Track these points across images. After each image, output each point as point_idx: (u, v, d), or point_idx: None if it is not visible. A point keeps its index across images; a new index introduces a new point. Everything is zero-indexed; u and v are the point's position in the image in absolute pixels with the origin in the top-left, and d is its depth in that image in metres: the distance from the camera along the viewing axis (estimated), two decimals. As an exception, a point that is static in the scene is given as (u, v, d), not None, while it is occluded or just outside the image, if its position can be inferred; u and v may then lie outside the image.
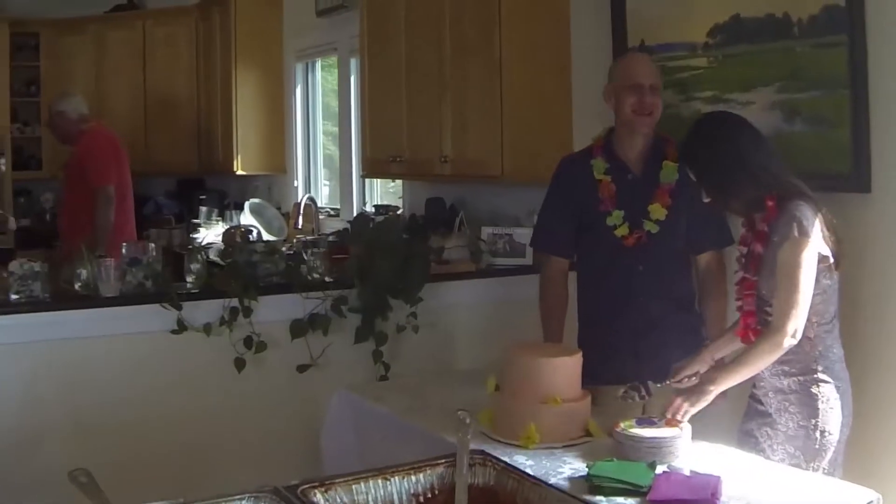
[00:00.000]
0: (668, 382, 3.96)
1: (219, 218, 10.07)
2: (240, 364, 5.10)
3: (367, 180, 8.68)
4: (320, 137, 10.00)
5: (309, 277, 5.25)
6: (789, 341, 3.54)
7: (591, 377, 4.10)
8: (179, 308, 4.95)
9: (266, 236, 9.13)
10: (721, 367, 3.83)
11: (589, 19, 5.84)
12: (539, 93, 5.95)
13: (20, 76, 11.20)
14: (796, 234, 3.55)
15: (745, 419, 3.94)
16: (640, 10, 5.41)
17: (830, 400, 3.67)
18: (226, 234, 9.04)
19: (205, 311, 5.07)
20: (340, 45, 8.90)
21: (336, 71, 9.23)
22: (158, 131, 10.94)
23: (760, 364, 3.65)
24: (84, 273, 4.99)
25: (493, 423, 3.88)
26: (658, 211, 4.54)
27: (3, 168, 10.56)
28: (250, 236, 8.89)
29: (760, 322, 3.76)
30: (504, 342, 5.28)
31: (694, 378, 3.88)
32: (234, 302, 5.06)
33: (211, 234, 9.56)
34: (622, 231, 4.56)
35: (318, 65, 9.97)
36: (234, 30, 10.02)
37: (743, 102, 4.71)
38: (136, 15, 11.24)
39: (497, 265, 6.01)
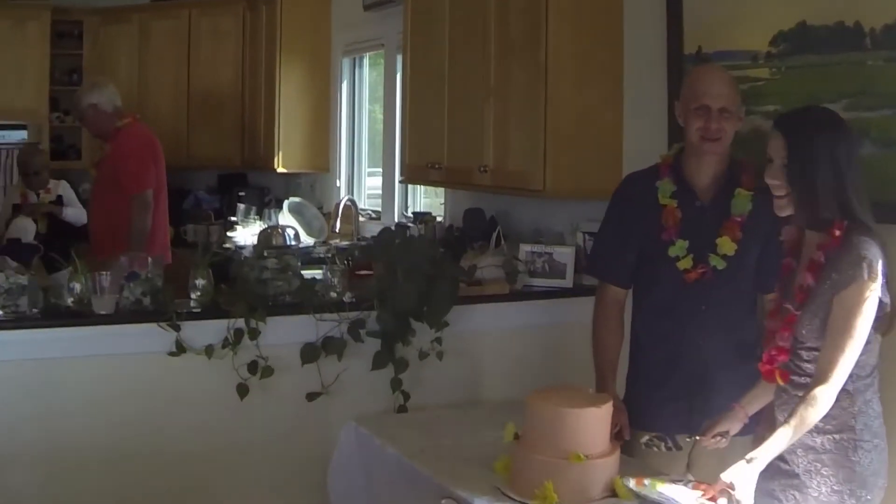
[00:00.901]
0: (697, 438, 3.79)
1: (257, 217, 9.82)
2: (243, 390, 4.75)
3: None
4: (365, 135, 9.75)
5: (324, 297, 4.90)
6: (834, 391, 3.26)
7: (636, 421, 4.08)
8: (177, 329, 4.62)
9: (305, 238, 9.01)
10: (762, 440, 3.42)
11: (643, 21, 5.50)
12: (587, 101, 5.57)
13: (62, 65, 11.00)
14: (865, 276, 3.25)
15: (766, 477, 3.53)
16: (699, 12, 5.10)
17: (870, 462, 3.38)
18: (262, 235, 8.92)
19: (207, 331, 4.71)
20: (387, 40, 8.63)
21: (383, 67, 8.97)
22: (201, 125, 10.75)
23: (814, 416, 3.29)
24: (77, 287, 4.66)
25: (509, 473, 3.67)
26: (727, 245, 4.11)
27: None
28: (287, 237, 8.69)
29: (792, 366, 3.48)
30: (539, 372, 5.32)
31: (725, 438, 3.74)
32: (240, 322, 4.73)
33: (248, 233, 9.35)
34: (685, 264, 4.15)
35: (366, 60, 9.75)
36: (281, 22, 9.81)
37: (807, 119, 4.30)
38: (182, 5, 10.97)
39: (534, 287, 5.63)
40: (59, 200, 8.51)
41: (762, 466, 3.29)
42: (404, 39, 7.15)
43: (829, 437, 3.37)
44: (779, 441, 3.29)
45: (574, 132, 5.50)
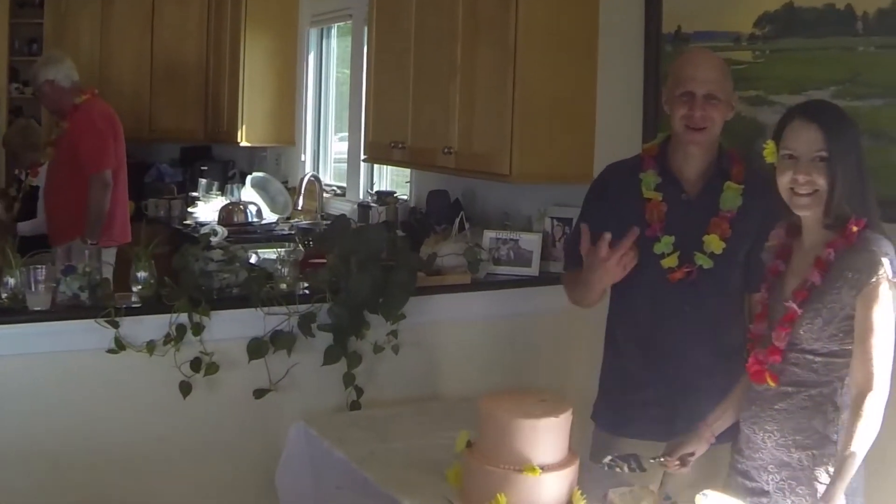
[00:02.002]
0: (661, 460, 3.57)
1: (219, 192, 9.65)
2: (186, 389, 4.54)
3: (376, 162, 8.21)
4: (332, 108, 9.52)
5: (273, 289, 4.69)
6: (881, 396, 3.03)
7: (611, 427, 3.99)
8: (116, 325, 4.40)
9: (268, 214, 8.81)
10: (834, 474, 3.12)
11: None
12: (558, 82, 5.36)
13: (21, 34, 10.81)
14: (891, 274, 3.08)
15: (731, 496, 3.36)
16: (679, -11, 4.92)
17: (852, 482, 3.08)
18: (223, 211, 8.75)
19: (148, 327, 4.50)
20: (356, 10, 8.34)
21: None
22: (164, 96, 10.55)
23: (871, 433, 3.03)
24: (11, 282, 4.45)
25: (461, 483, 3.51)
26: (714, 243, 3.85)
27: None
28: (249, 214, 8.51)
29: (778, 368, 3.25)
30: (502, 366, 5.18)
31: (691, 458, 3.54)
32: (183, 317, 4.52)
33: (209, 209, 9.13)
34: (670, 262, 3.89)
35: (334, 31, 9.51)
36: (247, -11, 9.68)
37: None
38: (146, -27, 10.82)
39: (498, 275, 5.43)
40: (36, 192, 8.17)
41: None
42: (370, 12, 6.93)
43: (808, 453, 3.18)
44: (848, 472, 3.01)
45: (544, 114, 5.31)
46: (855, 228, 3.13)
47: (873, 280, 3.04)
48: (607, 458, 3.46)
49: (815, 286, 3.17)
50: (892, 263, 3.06)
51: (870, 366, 3.01)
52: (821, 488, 3.13)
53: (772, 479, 3.26)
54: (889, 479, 3.71)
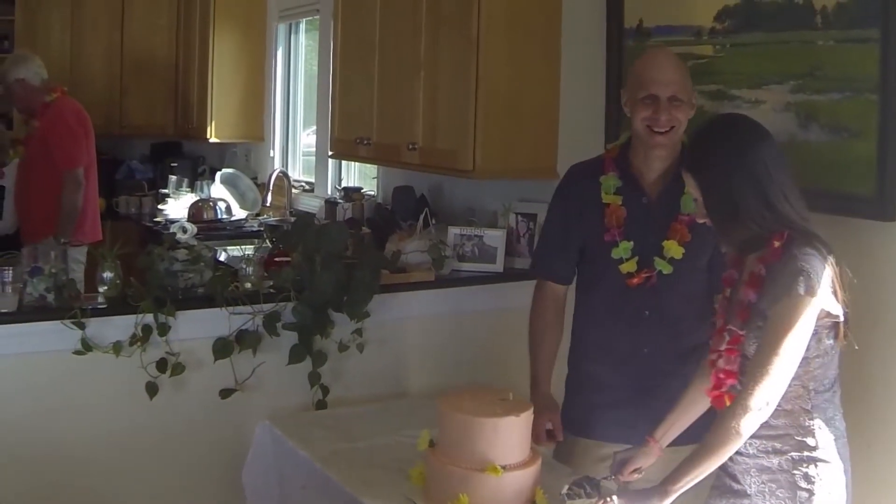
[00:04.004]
0: (613, 477, 3.57)
1: (189, 188, 9.66)
2: (152, 389, 4.51)
3: (344, 157, 8.13)
4: (301, 104, 9.48)
5: (238, 288, 4.69)
6: (756, 416, 3.04)
7: (574, 428, 3.96)
8: (82, 326, 4.37)
9: (237, 210, 8.84)
10: (684, 461, 3.22)
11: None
12: (520, 77, 5.35)
13: None
14: (801, 291, 2.99)
15: (714, 495, 3.40)
16: (640, -17, 4.90)
17: (829, 484, 3.15)
18: (192, 208, 8.78)
19: (115, 327, 4.47)
20: (323, 5, 8.28)
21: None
22: (134, 92, 10.55)
23: (731, 447, 3.11)
24: None
25: (424, 483, 3.55)
26: (674, 249, 3.84)
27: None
28: (218, 210, 8.51)
29: (737, 389, 3.22)
30: (467, 362, 5.20)
31: (638, 474, 3.55)
32: (149, 318, 4.50)
33: (179, 205, 9.14)
34: (629, 267, 3.88)
35: (302, 26, 9.49)
36: (215, -14, 9.64)
37: (751, 101, 4.24)
38: (116, -31, 10.77)
39: (463, 272, 5.43)
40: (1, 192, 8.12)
41: (672, 494, 3.16)
42: (336, 7, 6.89)
43: (786, 457, 3.17)
44: (694, 468, 3.14)
45: (506, 110, 5.30)
46: (777, 244, 3.11)
47: (784, 297, 3.01)
48: (564, 489, 3.43)
49: (751, 304, 3.17)
50: (810, 279, 3.00)
51: (756, 385, 3.01)
52: (801, 493, 3.14)
53: (754, 483, 3.24)
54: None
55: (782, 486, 3.17)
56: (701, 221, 3.28)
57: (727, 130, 3.27)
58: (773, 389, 3.01)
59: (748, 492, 3.25)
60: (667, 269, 3.83)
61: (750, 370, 3.06)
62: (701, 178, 3.20)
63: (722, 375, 3.25)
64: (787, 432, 3.14)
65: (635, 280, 3.86)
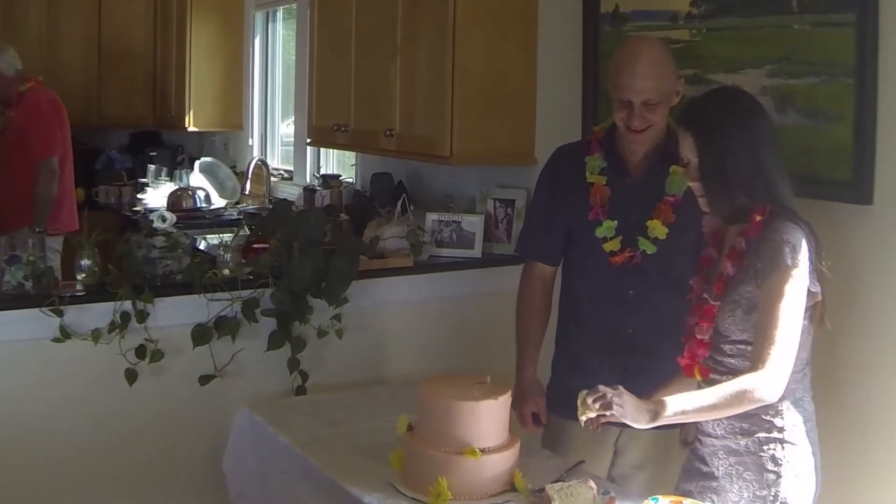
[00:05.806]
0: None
1: (168, 178, 9.61)
2: (131, 376, 4.50)
3: (322, 145, 8.13)
4: (279, 92, 9.46)
5: (216, 275, 4.67)
6: (773, 394, 3.00)
7: (561, 409, 3.91)
8: (60, 314, 4.37)
9: (217, 199, 8.82)
10: (688, 399, 3.16)
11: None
12: (497, 62, 5.35)
13: None
14: (789, 262, 3.02)
15: (685, 478, 3.42)
16: (616, -32, 4.89)
17: (796, 466, 3.16)
18: (172, 197, 8.72)
19: (93, 315, 4.45)
20: (301, -8, 8.30)
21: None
22: (112, 81, 10.48)
23: (727, 411, 3.08)
24: None
25: (403, 468, 3.53)
26: (658, 229, 3.84)
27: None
28: (197, 199, 8.49)
29: (712, 361, 3.26)
30: (446, 347, 5.19)
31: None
32: (127, 304, 4.48)
33: (158, 195, 9.09)
34: (612, 246, 3.89)
35: (280, 14, 9.46)
36: (191, -27, 9.60)
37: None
38: (93, -43, 10.71)
39: (442, 258, 5.43)
40: None
41: (646, 424, 3.12)
42: (312, -7, 6.89)
43: (754, 438, 3.18)
44: (685, 409, 3.08)
45: (484, 96, 5.30)
46: (759, 218, 3.12)
47: (775, 270, 3.02)
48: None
49: (730, 277, 3.17)
50: (795, 251, 3.02)
51: (765, 353, 2.99)
52: (768, 475, 3.15)
53: (721, 465, 3.25)
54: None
55: (749, 469, 3.19)
56: (690, 184, 3.27)
57: (732, 96, 3.35)
58: (783, 358, 2.99)
59: (716, 474, 3.26)
60: (650, 249, 3.84)
61: (755, 347, 3.05)
62: (700, 134, 3.18)
63: (695, 346, 3.27)
64: (756, 412, 3.12)
65: (619, 259, 3.87)
